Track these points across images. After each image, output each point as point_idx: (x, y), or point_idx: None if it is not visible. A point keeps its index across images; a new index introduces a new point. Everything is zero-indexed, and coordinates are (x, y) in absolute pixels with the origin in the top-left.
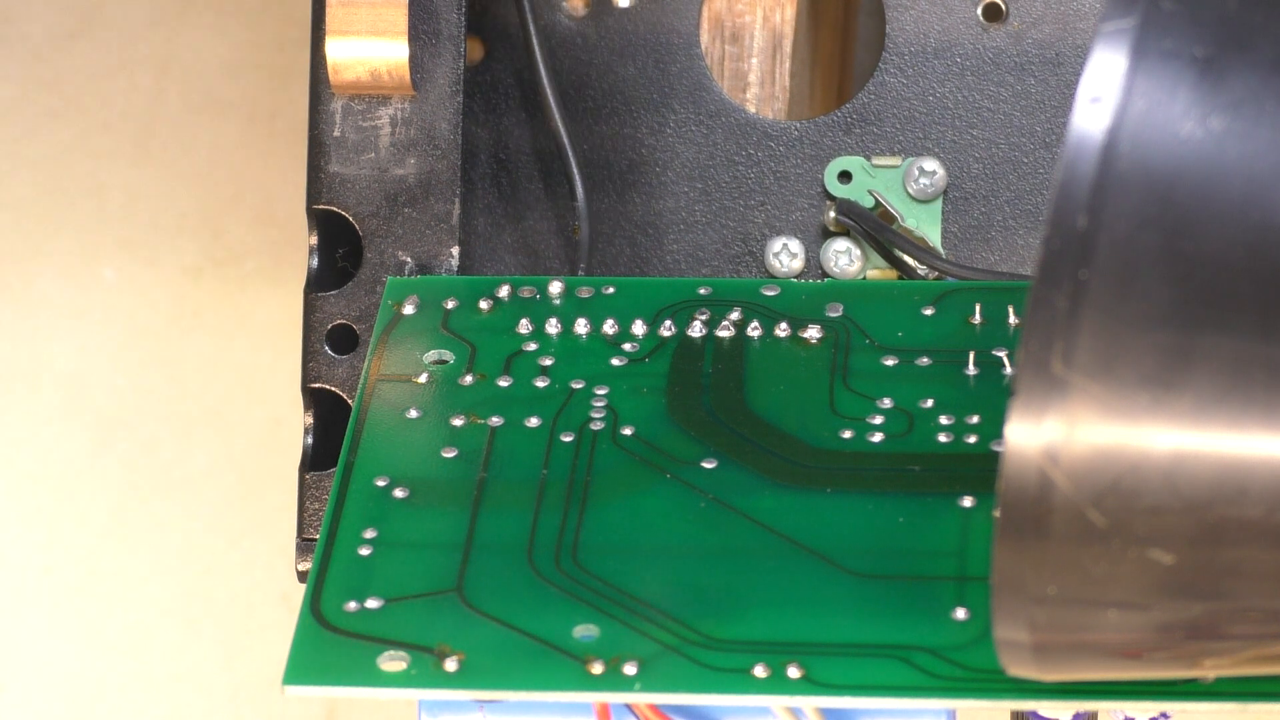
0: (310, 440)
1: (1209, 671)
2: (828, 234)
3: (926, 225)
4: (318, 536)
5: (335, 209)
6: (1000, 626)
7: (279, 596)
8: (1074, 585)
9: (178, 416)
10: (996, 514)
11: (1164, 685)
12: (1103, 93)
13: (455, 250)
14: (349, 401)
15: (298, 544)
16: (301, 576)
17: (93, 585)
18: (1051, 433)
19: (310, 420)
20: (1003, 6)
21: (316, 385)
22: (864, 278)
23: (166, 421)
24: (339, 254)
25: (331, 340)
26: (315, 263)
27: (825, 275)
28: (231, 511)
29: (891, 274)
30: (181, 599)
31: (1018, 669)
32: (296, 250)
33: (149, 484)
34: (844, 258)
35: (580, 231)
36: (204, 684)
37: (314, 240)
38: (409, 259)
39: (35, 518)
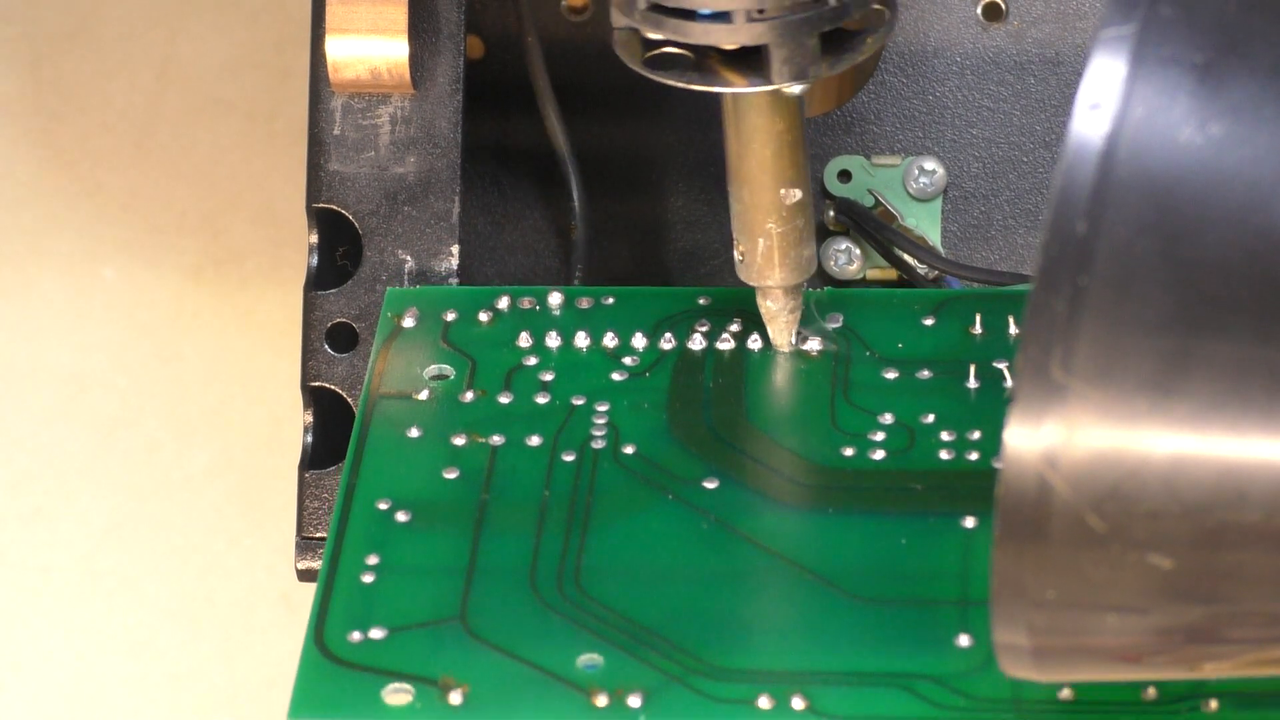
0: (310, 439)
1: (1208, 674)
2: (827, 233)
3: (926, 224)
4: (318, 535)
5: (335, 207)
6: (1000, 630)
7: (279, 596)
8: (1073, 589)
9: (178, 416)
10: (997, 522)
11: (1167, 714)
12: (1102, 99)
13: (455, 249)
14: (349, 400)
15: (297, 542)
16: (301, 575)
17: (93, 585)
18: (1051, 437)
19: (310, 419)
20: (1003, 6)
21: (316, 384)
22: (863, 277)
23: (166, 421)
24: (338, 252)
25: (331, 339)
26: (315, 261)
27: (825, 275)
28: (231, 511)
29: (891, 273)
30: (181, 599)
31: (1017, 672)
32: (296, 249)
33: (149, 484)
34: (843, 257)
35: (578, 231)
36: (204, 684)
37: (314, 239)
38: (409, 258)
39: (35, 518)
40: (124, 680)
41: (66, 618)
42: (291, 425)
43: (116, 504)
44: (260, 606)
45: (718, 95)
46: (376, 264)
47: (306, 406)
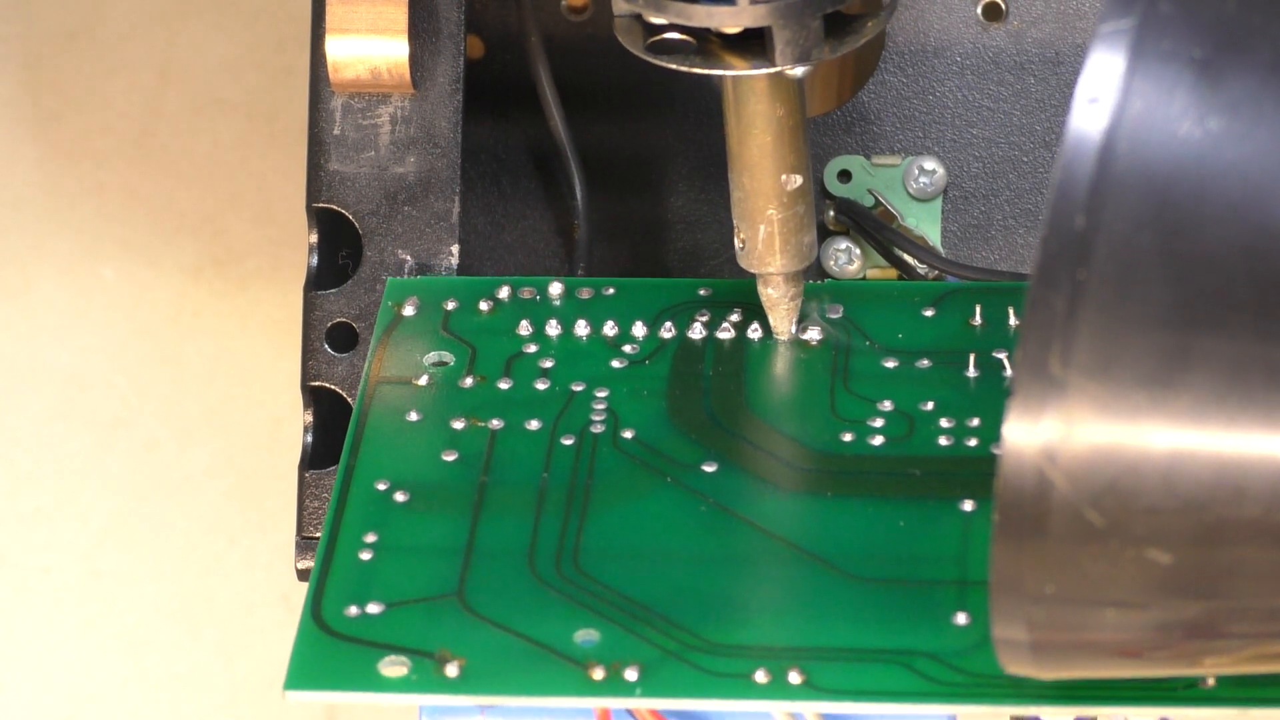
0: (310, 438)
1: (1208, 670)
2: (827, 233)
3: (926, 224)
4: (318, 535)
5: (335, 207)
6: (998, 625)
7: (279, 596)
8: (1072, 584)
9: (178, 416)
10: (996, 517)
11: (1164, 690)
12: (1101, 94)
13: (455, 249)
14: (349, 400)
15: (297, 542)
16: (301, 575)
17: (93, 585)
18: (1049, 432)
19: (310, 418)
20: (1003, 6)
21: (316, 383)
22: (864, 277)
23: (166, 421)
24: (342, 254)
25: (331, 338)
26: (315, 261)
27: (825, 275)
28: (231, 511)
29: (891, 273)
30: (181, 599)
31: (1016, 668)
32: (296, 249)
33: (149, 484)
34: (843, 257)
35: (579, 230)
36: (204, 684)
37: (314, 238)
38: (409, 257)
39: (35, 518)
40: (124, 680)
41: (66, 618)
42: (291, 425)
43: (116, 504)
44: (260, 606)
45: (717, 85)
46: (376, 264)
47: (306, 406)
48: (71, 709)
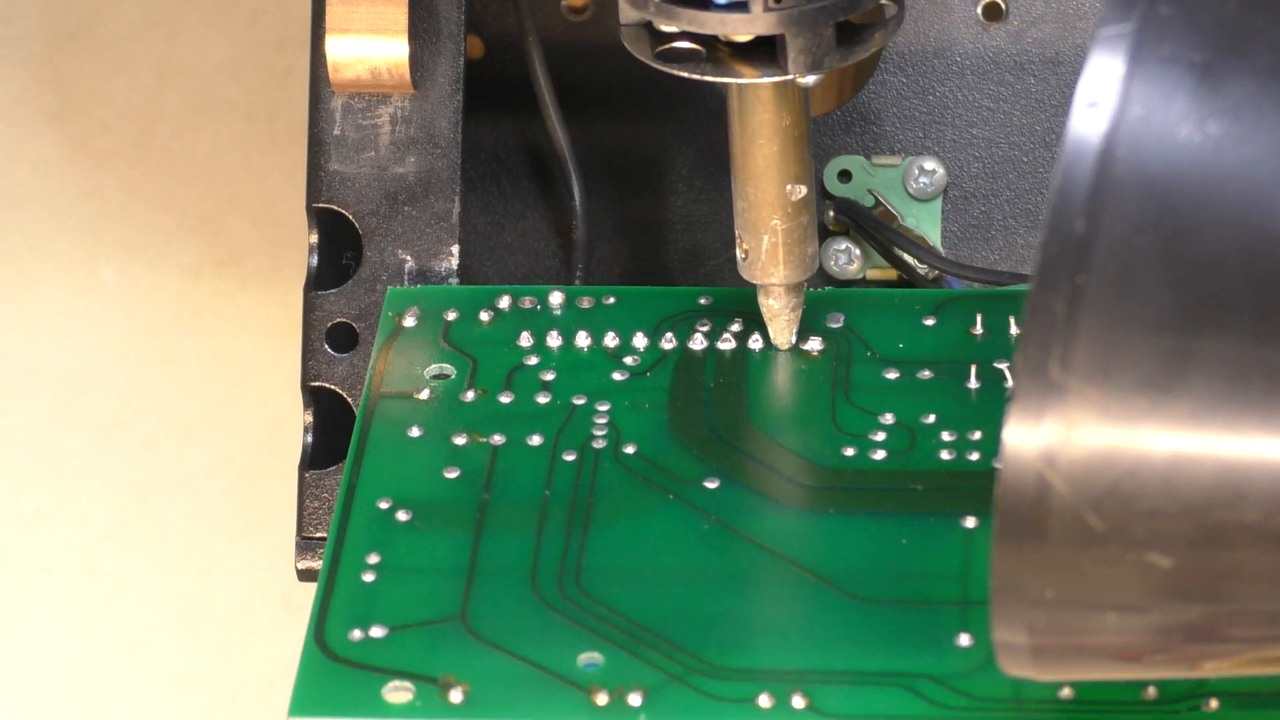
0: (310, 438)
1: (1209, 673)
2: (827, 233)
3: (926, 224)
4: (318, 535)
5: (335, 207)
6: (999, 629)
7: (279, 596)
8: (1072, 588)
9: (178, 416)
10: (996, 521)
11: (1167, 713)
12: (1100, 97)
13: (455, 249)
14: (349, 400)
15: (297, 542)
16: (301, 575)
17: (93, 585)
18: (1049, 436)
19: (310, 418)
20: (1003, 6)
21: (316, 384)
22: (864, 277)
23: (166, 421)
24: (346, 256)
25: (331, 339)
26: (315, 261)
27: (825, 275)
28: (231, 511)
29: (891, 273)
30: (181, 599)
31: (1016, 671)
32: (296, 249)
33: (149, 484)
34: (843, 257)
35: (578, 231)
36: (204, 684)
37: (314, 239)
38: (409, 258)
39: (35, 518)
40: (124, 680)
41: (66, 618)
42: (291, 425)
43: (116, 504)
44: (260, 606)
45: (721, 91)
46: (376, 264)
47: (306, 406)
48: (71, 709)
